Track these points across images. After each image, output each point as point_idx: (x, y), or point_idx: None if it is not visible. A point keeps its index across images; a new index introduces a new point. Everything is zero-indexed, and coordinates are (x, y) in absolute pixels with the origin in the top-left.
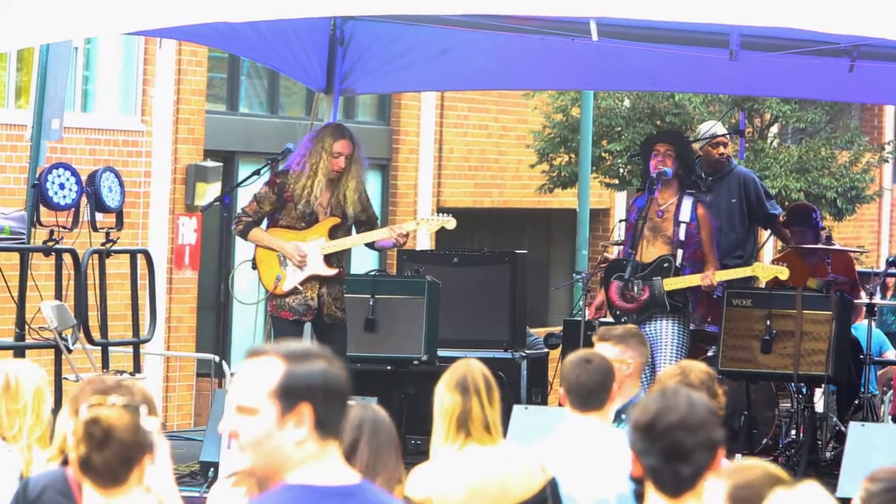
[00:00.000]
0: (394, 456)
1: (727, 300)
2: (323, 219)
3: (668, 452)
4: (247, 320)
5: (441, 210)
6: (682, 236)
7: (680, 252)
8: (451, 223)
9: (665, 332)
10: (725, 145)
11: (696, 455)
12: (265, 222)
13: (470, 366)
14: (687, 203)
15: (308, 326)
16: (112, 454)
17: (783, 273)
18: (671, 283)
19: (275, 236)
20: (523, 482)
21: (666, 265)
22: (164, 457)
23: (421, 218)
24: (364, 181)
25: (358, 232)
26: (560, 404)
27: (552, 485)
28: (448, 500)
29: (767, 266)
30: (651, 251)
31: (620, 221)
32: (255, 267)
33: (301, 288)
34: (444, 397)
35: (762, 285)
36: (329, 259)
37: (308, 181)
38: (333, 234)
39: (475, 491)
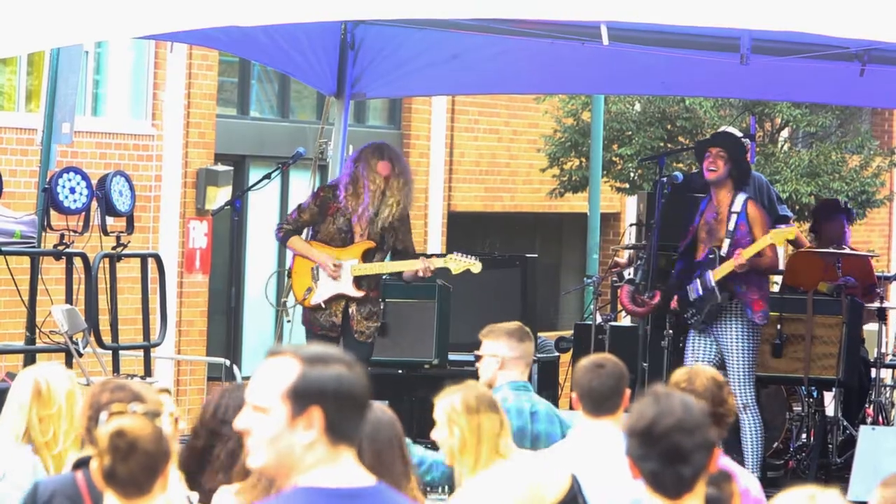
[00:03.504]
0: (398, 456)
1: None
2: (358, 240)
3: (669, 455)
4: (258, 324)
5: (452, 214)
6: (730, 226)
7: (727, 242)
8: (477, 267)
9: (730, 336)
10: None
11: (695, 456)
12: (307, 233)
13: (474, 386)
14: (739, 200)
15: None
16: (137, 465)
17: (792, 233)
18: (717, 273)
19: (313, 247)
20: (555, 485)
21: (711, 256)
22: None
23: (450, 255)
24: (407, 204)
25: (393, 259)
26: (572, 408)
27: (575, 481)
28: None
29: (780, 231)
30: (701, 250)
31: (631, 226)
32: (289, 276)
33: (325, 305)
34: (482, 421)
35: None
36: (359, 281)
37: (351, 201)
38: (367, 257)
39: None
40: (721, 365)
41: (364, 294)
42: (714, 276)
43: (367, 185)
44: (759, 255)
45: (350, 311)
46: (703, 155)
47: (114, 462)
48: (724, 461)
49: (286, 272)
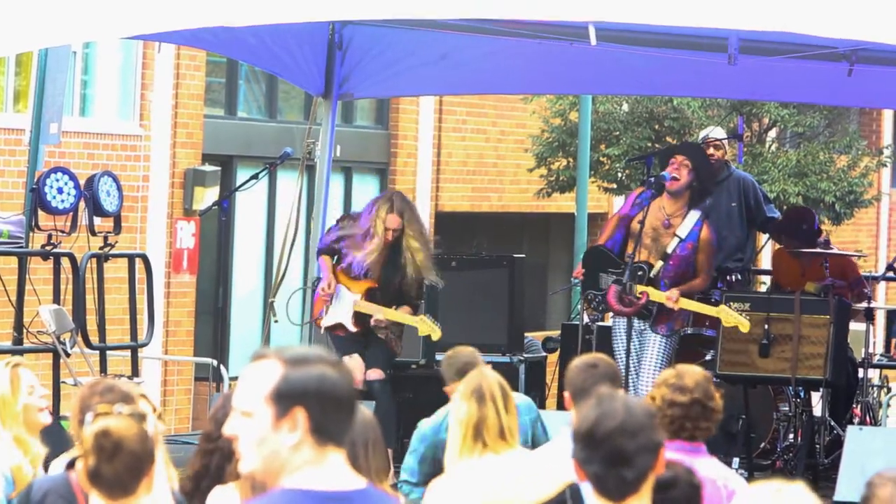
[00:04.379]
0: (374, 458)
1: (725, 304)
2: (367, 278)
3: (611, 458)
4: (245, 324)
5: (439, 215)
6: (669, 249)
7: (660, 264)
8: (436, 335)
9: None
10: (718, 148)
11: (638, 459)
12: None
13: (484, 374)
14: (691, 218)
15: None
16: (122, 465)
17: (744, 326)
18: (651, 294)
19: (334, 271)
20: (538, 487)
21: (640, 273)
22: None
23: (422, 317)
24: (423, 255)
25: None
26: (564, 408)
27: (573, 489)
28: None
29: (732, 313)
30: (640, 253)
31: None
32: (314, 292)
33: (324, 331)
34: (460, 406)
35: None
36: (357, 317)
37: (365, 242)
38: (370, 295)
39: (490, 500)
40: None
41: (358, 330)
42: (652, 296)
43: (381, 231)
44: (689, 288)
45: (383, 335)
46: (667, 162)
47: (98, 462)
48: (711, 461)
49: (311, 287)
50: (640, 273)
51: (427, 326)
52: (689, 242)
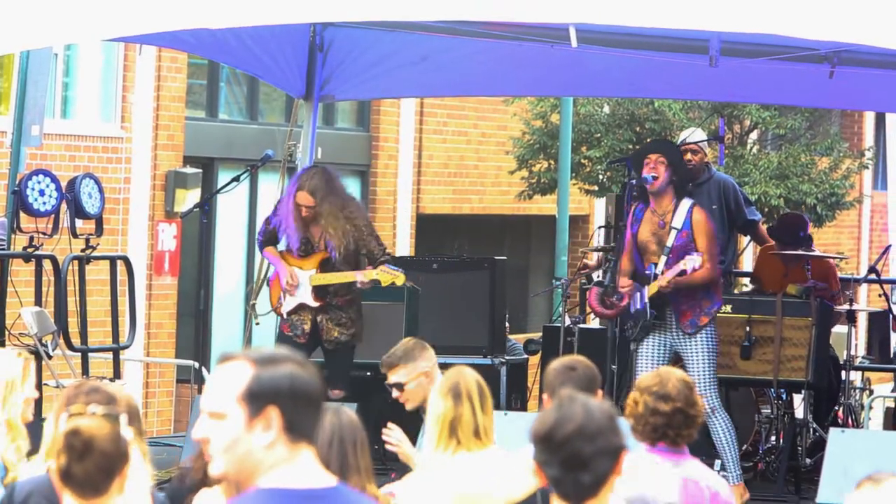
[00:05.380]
0: (361, 458)
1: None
2: (315, 252)
3: (568, 462)
4: (226, 326)
5: (420, 217)
6: (670, 243)
7: (663, 259)
8: (400, 279)
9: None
10: (695, 153)
11: (595, 462)
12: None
13: (463, 373)
14: (683, 207)
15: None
16: (93, 465)
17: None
18: (650, 289)
19: (284, 257)
20: (510, 487)
21: (647, 273)
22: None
23: (381, 268)
24: (345, 217)
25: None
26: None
27: (545, 492)
28: None
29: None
30: (650, 260)
31: (600, 228)
32: (268, 285)
33: (286, 316)
34: (437, 403)
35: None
36: (319, 290)
37: (289, 218)
38: (324, 266)
39: (461, 498)
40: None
41: (322, 303)
42: (648, 292)
43: (289, 220)
44: (692, 272)
45: (319, 320)
46: (641, 164)
47: (69, 462)
48: (694, 463)
49: (265, 281)
50: (647, 273)
51: (387, 276)
52: (685, 231)
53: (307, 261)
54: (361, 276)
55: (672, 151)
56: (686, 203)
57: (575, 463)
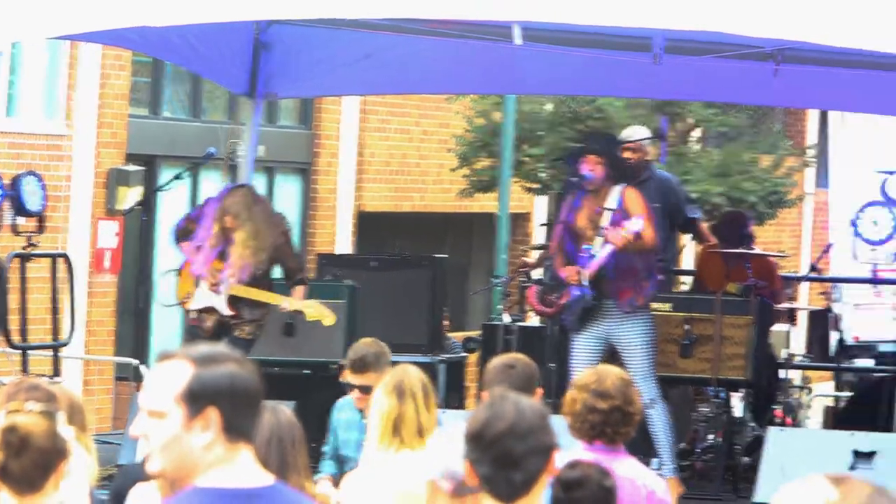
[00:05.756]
0: (300, 456)
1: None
2: (207, 266)
3: (500, 460)
4: (166, 324)
5: (361, 215)
6: (604, 223)
7: (598, 241)
8: (329, 321)
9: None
10: (634, 150)
11: (527, 461)
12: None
13: (407, 371)
14: (616, 191)
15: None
16: (29, 461)
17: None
18: (589, 271)
19: None
20: None
21: (583, 256)
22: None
23: (311, 301)
24: (262, 237)
25: (285, 277)
26: None
27: None
28: None
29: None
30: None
31: (541, 226)
32: (178, 274)
33: (194, 314)
34: (381, 401)
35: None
36: (232, 300)
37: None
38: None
39: (405, 496)
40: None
41: (235, 314)
42: (586, 274)
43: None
44: (637, 237)
45: (227, 321)
46: (578, 164)
47: (6, 458)
48: (630, 462)
49: (176, 271)
50: (583, 256)
51: (314, 311)
52: (618, 209)
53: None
54: (287, 305)
55: (607, 149)
56: (619, 187)
57: (506, 461)
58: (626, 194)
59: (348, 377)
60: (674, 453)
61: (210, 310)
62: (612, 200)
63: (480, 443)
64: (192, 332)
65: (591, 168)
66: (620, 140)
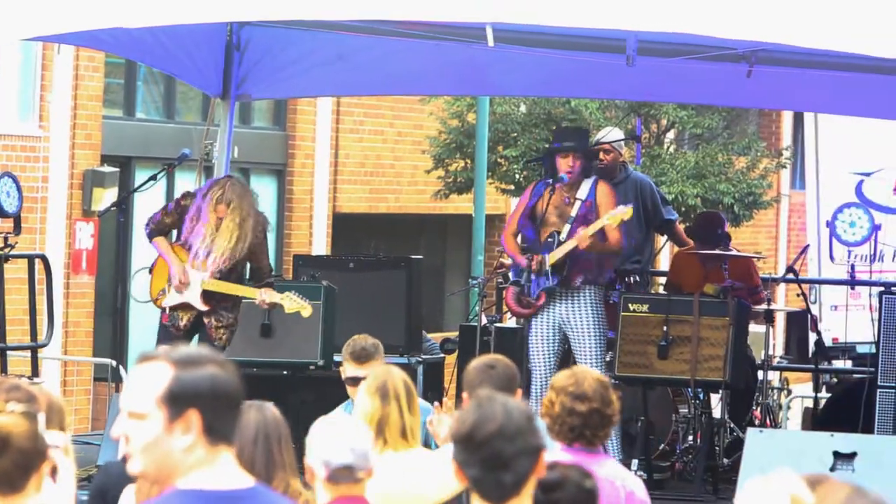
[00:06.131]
0: (286, 454)
1: (623, 305)
2: (200, 261)
3: (489, 462)
4: (144, 325)
5: (337, 216)
6: (574, 212)
7: (566, 228)
8: (307, 311)
9: (578, 321)
10: (608, 152)
11: (516, 462)
12: (175, 234)
13: (391, 372)
14: (586, 183)
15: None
16: (10, 462)
17: (628, 213)
18: (553, 256)
19: (174, 251)
20: (435, 487)
21: (550, 240)
22: (67, 476)
23: (287, 294)
24: (245, 238)
25: (252, 277)
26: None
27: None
28: None
29: (616, 212)
30: (550, 231)
31: None
32: (150, 272)
33: (169, 311)
34: (364, 402)
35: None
36: (206, 295)
37: (194, 223)
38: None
39: (386, 497)
40: (566, 353)
41: (210, 308)
42: (550, 258)
43: (202, 225)
44: (603, 239)
45: (206, 321)
46: (554, 162)
47: None
48: (610, 463)
49: (149, 269)
50: (549, 241)
51: (293, 303)
52: (588, 200)
53: (201, 261)
54: (265, 296)
55: (580, 144)
56: (589, 181)
57: (496, 463)
58: (599, 188)
59: (350, 370)
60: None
61: (185, 306)
62: (582, 191)
63: (470, 444)
64: (166, 332)
65: (569, 165)
66: (597, 143)
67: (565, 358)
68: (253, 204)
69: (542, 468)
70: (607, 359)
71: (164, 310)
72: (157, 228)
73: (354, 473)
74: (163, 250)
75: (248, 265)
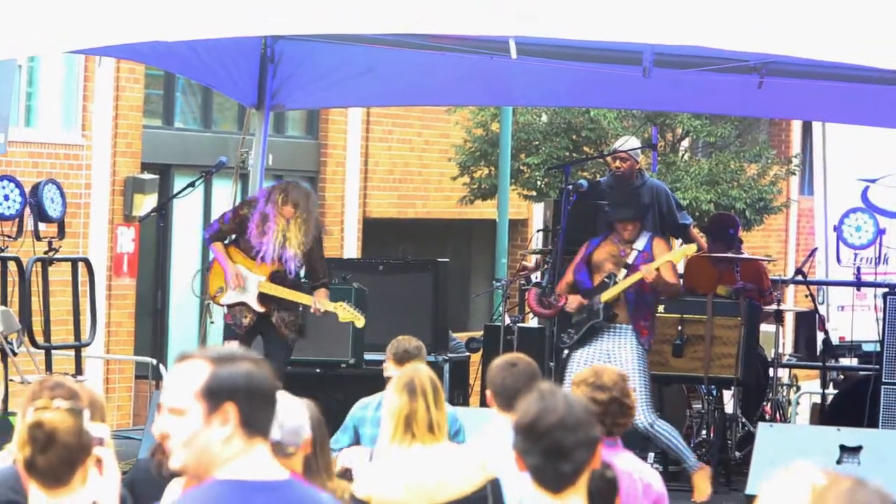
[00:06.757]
0: (321, 451)
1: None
2: (270, 262)
3: (550, 451)
4: (182, 325)
5: (367, 221)
6: (630, 260)
7: (623, 272)
8: (360, 322)
9: (626, 359)
10: (624, 160)
11: (576, 453)
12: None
13: (418, 369)
14: (644, 237)
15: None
16: (55, 456)
17: (692, 249)
18: (607, 294)
19: (231, 254)
20: (460, 480)
21: (606, 280)
22: (112, 469)
23: (341, 303)
24: (308, 239)
25: (308, 277)
26: (486, 405)
27: (494, 484)
28: (387, 499)
29: (679, 249)
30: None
31: (538, 231)
32: (208, 270)
33: (227, 309)
34: (392, 399)
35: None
36: (263, 297)
37: (259, 229)
38: (274, 277)
39: (413, 488)
40: None
41: (266, 310)
42: (603, 296)
43: (272, 227)
44: (663, 277)
45: (274, 319)
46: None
47: (33, 453)
48: (627, 456)
49: (206, 268)
50: (605, 281)
51: (348, 313)
52: (645, 252)
53: (260, 266)
54: (319, 305)
55: (637, 213)
56: (646, 235)
57: (556, 453)
58: (655, 242)
59: (391, 370)
60: (689, 449)
61: (241, 305)
62: (639, 243)
63: (531, 434)
64: (229, 330)
65: (630, 232)
66: (615, 151)
67: None
68: (316, 205)
69: (598, 460)
70: None
71: (226, 309)
72: (215, 236)
73: (284, 449)
74: (219, 254)
75: (305, 265)
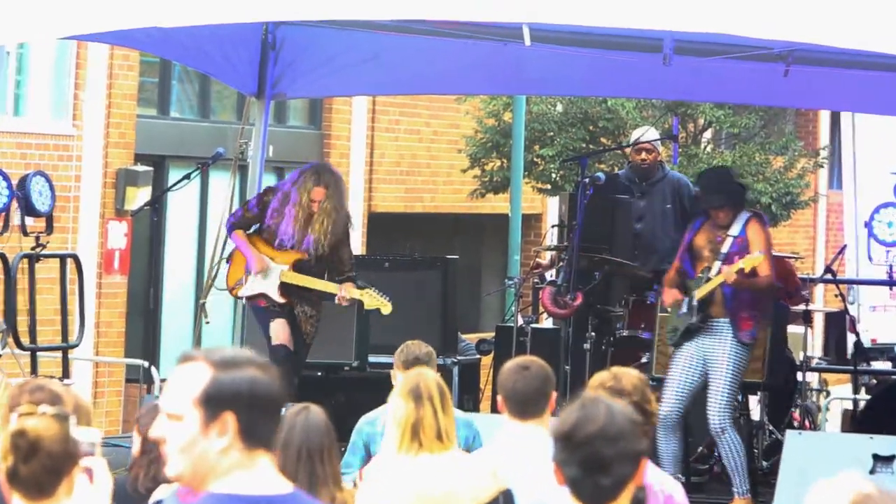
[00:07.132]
0: (328, 459)
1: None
2: (293, 250)
3: (588, 463)
4: (176, 326)
5: (372, 215)
6: (725, 249)
7: (717, 265)
8: (387, 308)
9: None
10: (649, 151)
11: (616, 466)
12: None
13: (423, 374)
14: (741, 218)
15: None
16: (39, 466)
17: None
18: (700, 291)
19: (253, 243)
20: (471, 490)
21: (700, 275)
22: (103, 477)
23: (367, 290)
24: (339, 225)
25: (328, 270)
26: (497, 411)
27: (506, 495)
28: None
29: (375, 296)
30: (703, 266)
31: (553, 227)
32: (228, 261)
33: (246, 301)
34: (398, 406)
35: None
36: (284, 287)
37: (282, 207)
38: (297, 266)
39: (422, 499)
40: (705, 384)
41: (287, 301)
42: (697, 294)
43: (304, 204)
44: (751, 275)
45: (297, 311)
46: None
47: (16, 462)
48: (648, 466)
49: (226, 258)
50: (700, 276)
51: (374, 300)
52: (740, 237)
53: (282, 254)
54: (344, 293)
55: (731, 197)
56: (744, 216)
57: (595, 465)
58: (750, 225)
59: (401, 378)
60: (746, 476)
61: (262, 296)
62: (735, 228)
63: (569, 444)
64: (269, 313)
65: (723, 218)
66: (636, 142)
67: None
68: (345, 192)
69: (641, 475)
70: (643, 360)
71: (256, 297)
72: (238, 224)
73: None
74: (242, 243)
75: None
